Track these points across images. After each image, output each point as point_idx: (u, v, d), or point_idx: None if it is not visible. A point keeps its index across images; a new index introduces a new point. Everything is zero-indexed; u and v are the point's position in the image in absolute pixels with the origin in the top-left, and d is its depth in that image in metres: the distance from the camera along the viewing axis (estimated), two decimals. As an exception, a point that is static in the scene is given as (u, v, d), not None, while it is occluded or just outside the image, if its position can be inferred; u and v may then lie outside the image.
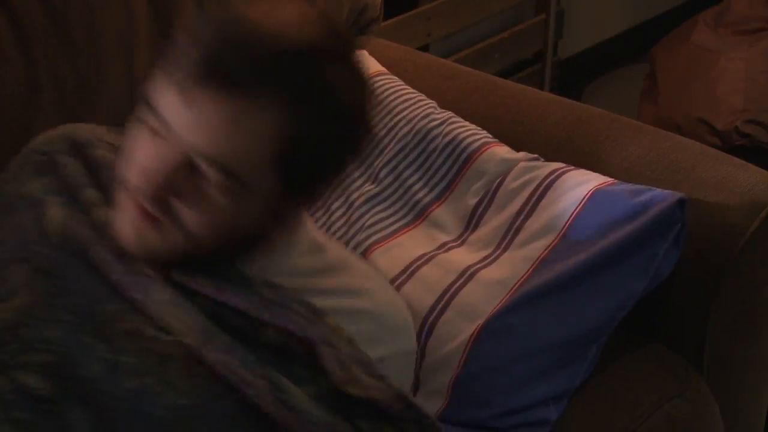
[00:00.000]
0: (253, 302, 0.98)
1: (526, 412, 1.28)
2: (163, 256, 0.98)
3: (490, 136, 1.52)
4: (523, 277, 1.33)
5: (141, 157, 0.95)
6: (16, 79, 1.39)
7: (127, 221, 0.98)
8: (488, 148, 1.49)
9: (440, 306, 1.34)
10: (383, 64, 1.70)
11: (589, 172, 1.43)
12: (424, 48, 2.50)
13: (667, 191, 1.35)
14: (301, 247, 1.08)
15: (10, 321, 0.96)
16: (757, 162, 1.46)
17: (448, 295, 1.35)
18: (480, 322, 1.31)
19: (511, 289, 1.32)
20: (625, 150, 1.48)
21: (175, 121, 0.92)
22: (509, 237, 1.40)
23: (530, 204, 1.41)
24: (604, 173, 1.44)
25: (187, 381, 0.92)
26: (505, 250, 1.39)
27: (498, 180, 1.45)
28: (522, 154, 1.48)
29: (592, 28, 3.25)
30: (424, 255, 1.40)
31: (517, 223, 1.40)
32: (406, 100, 1.57)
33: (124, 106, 1.48)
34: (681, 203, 1.33)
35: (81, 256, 1.00)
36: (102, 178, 1.08)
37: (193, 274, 0.99)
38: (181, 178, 0.93)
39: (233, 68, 0.90)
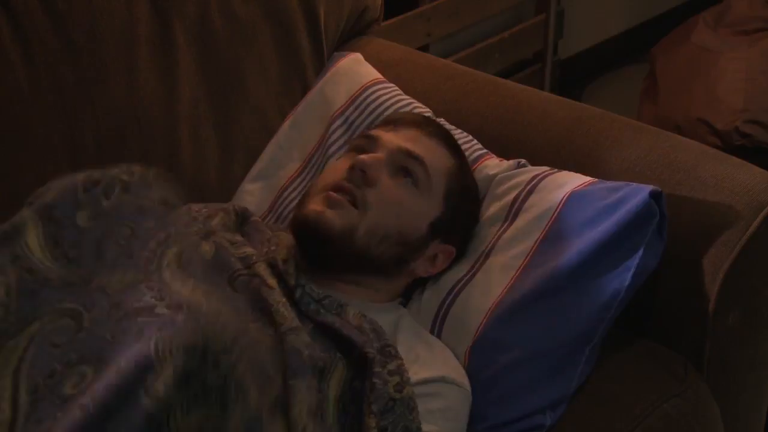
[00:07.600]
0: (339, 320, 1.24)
1: (522, 421, 1.28)
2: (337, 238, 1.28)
3: (480, 146, 1.52)
4: (505, 287, 1.33)
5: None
6: (16, 79, 1.39)
7: (322, 204, 1.31)
8: (481, 162, 1.49)
9: (437, 326, 1.36)
10: (383, 64, 1.70)
11: (570, 173, 1.42)
12: (424, 48, 2.50)
13: (641, 185, 1.34)
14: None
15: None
16: (757, 162, 1.46)
17: (441, 313, 1.36)
18: (470, 339, 1.32)
19: (495, 301, 1.33)
20: (625, 150, 1.48)
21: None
22: (491, 245, 1.40)
23: (512, 212, 1.41)
24: (604, 173, 1.44)
25: (280, 359, 1.16)
26: (486, 258, 1.39)
27: (481, 196, 1.46)
28: (507, 165, 1.48)
29: (592, 28, 3.26)
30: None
31: (499, 231, 1.40)
32: (402, 108, 1.58)
33: (124, 106, 1.48)
34: (655, 195, 1.31)
35: (225, 272, 1.25)
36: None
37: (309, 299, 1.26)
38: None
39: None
